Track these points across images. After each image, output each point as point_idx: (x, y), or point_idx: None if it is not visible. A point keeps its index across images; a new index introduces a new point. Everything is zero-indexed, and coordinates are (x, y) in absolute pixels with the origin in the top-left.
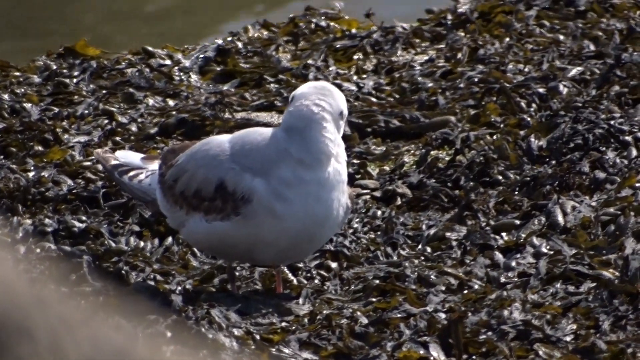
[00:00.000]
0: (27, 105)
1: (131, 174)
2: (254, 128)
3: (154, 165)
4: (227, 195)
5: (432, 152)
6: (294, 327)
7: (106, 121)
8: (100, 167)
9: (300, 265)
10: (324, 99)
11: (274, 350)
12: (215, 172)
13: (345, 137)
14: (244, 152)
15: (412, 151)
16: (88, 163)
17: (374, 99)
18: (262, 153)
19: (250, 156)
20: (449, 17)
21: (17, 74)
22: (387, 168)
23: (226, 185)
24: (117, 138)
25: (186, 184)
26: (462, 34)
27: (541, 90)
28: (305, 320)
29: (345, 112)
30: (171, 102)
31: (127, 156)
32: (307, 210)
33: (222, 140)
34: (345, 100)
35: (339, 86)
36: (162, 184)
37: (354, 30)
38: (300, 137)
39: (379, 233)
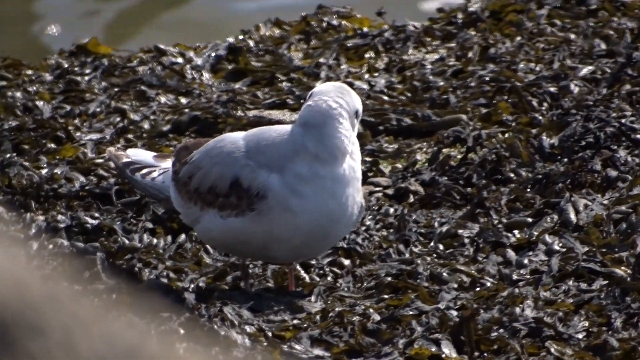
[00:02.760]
0: (40, 103)
1: (144, 171)
2: (268, 126)
3: (167, 164)
4: (242, 192)
5: (444, 150)
6: (305, 324)
7: (118, 119)
8: (112, 165)
9: (313, 262)
10: (342, 97)
11: (285, 347)
12: (230, 168)
13: (357, 135)
14: (259, 149)
15: (424, 149)
16: (100, 160)
17: (385, 97)
18: (277, 149)
19: (266, 152)
20: (460, 15)
21: (29, 72)
22: (399, 166)
23: (241, 181)
24: (130, 136)
25: (201, 181)
26: (473, 33)
27: (552, 89)
28: (317, 317)
29: (360, 112)
30: (183, 100)
31: (139, 154)
32: (321, 205)
33: (236, 138)
34: (360, 101)
35: (351, 84)
36: (176, 181)
37: (365, 29)
38: (316, 132)
39: (391, 230)
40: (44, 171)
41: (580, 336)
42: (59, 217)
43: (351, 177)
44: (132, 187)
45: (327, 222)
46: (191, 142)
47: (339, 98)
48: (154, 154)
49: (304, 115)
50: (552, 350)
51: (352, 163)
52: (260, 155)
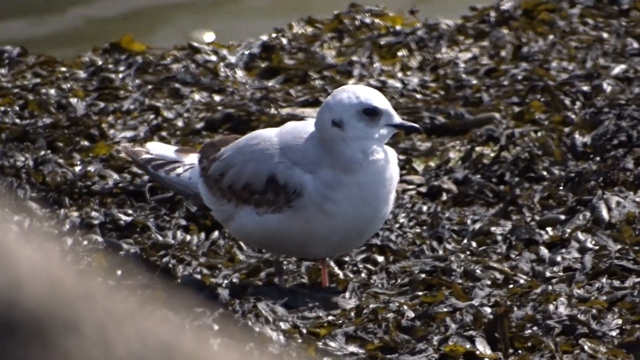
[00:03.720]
0: (73, 101)
1: (167, 167)
2: (301, 123)
3: (190, 159)
4: (279, 188)
5: (477, 149)
6: (340, 321)
7: (152, 116)
8: (132, 163)
9: (347, 259)
10: (343, 102)
11: (320, 344)
12: (265, 165)
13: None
14: (292, 148)
15: (457, 147)
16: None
17: (418, 96)
18: (306, 152)
19: (297, 152)
20: (492, 14)
21: (63, 69)
22: (432, 164)
23: (277, 178)
24: (163, 133)
25: (234, 178)
26: (506, 32)
27: (585, 87)
28: (352, 314)
29: (374, 104)
30: (217, 98)
31: (159, 148)
32: (354, 210)
33: (269, 135)
34: (374, 92)
35: (384, 83)
36: (206, 178)
37: (398, 27)
38: (328, 147)
39: (424, 228)
40: (77, 168)
41: (613, 334)
42: (93, 213)
43: (379, 180)
44: (157, 183)
45: (362, 224)
46: (217, 139)
47: (343, 109)
48: (175, 147)
49: (316, 129)
50: (586, 347)
51: (377, 164)
52: (293, 154)
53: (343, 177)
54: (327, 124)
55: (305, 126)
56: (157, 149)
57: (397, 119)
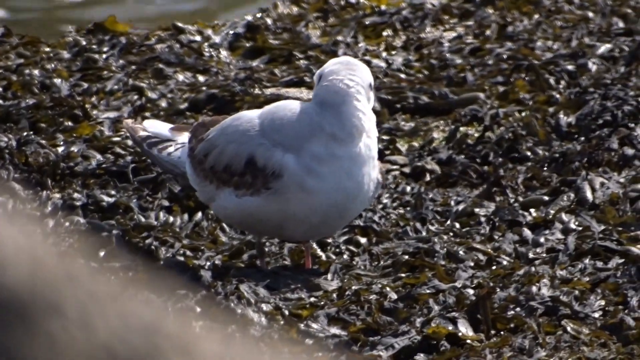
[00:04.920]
0: (57, 81)
1: (160, 146)
2: (284, 102)
3: (183, 137)
4: (257, 171)
5: (461, 129)
6: (322, 303)
7: (136, 97)
8: (129, 138)
9: (329, 240)
10: (355, 73)
11: (302, 325)
12: (245, 147)
13: (374, 113)
14: (274, 127)
15: (441, 127)
16: (117, 138)
17: (403, 76)
18: (293, 128)
19: (282, 131)
20: None
21: (47, 49)
22: (416, 144)
23: (256, 160)
24: (147, 114)
25: (216, 159)
26: (491, 11)
27: (570, 67)
28: (334, 295)
29: (373, 82)
30: (201, 78)
31: (156, 126)
32: (338, 185)
33: (252, 116)
34: (370, 71)
35: (368, 62)
36: (192, 158)
37: (383, 7)
38: (334, 111)
39: (408, 209)
40: (60, 149)
41: (596, 315)
42: (75, 195)
43: (367, 156)
44: (150, 161)
45: (344, 201)
46: (208, 119)
47: (353, 75)
48: (171, 125)
49: (321, 94)
50: (569, 329)
51: (368, 141)
52: (275, 134)
53: (337, 148)
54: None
55: (286, 105)
56: (153, 126)
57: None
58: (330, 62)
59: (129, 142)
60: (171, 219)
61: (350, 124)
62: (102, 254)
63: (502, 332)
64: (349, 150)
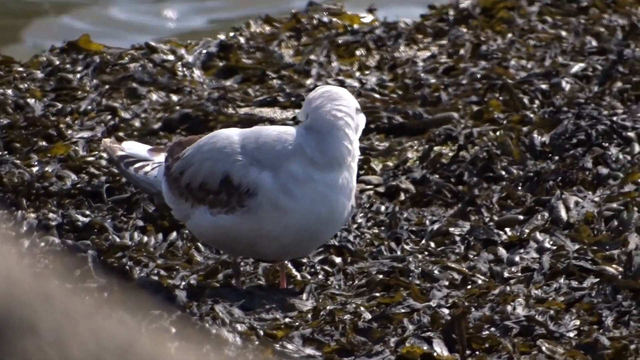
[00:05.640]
0: (31, 101)
1: (137, 165)
2: (270, 126)
3: (161, 158)
4: (232, 189)
5: (436, 148)
6: (297, 323)
7: (109, 116)
8: (107, 157)
9: (304, 260)
10: (342, 103)
11: (277, 346)
12: (221, 165)
13: None
14: (256, 145)
15: (415, 147)
16: (91, 158)
17: (377, 95)
18: (275, 147)
19: (263, 149)
20: (451, 12)
21: (21, 69)
22: (390, 164)
23: (231, 178)
24: (121, 133)
25: (192, 177)
26: (465, 30)
27: (544, 86)
28: (309, 315)
29: (359, 108)
30: (174, 97)
31: (134, 147)
32: (312, 208)
33: (229, 134)
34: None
35: (342, 82)
36: (168, 176)
37: (356, 26)
38: (319, 138)
39: (382, 228)
40: (35, 169)
41: (571, 334)
42: (50, 215)
43: (345, 186)
44: (126, 181)
45: (316, 224)
46: (185, 138)
47: (342, 106)
48: (149, 147)
49: (313, 118)
50: (544, 348)
51: (347, 174)
52: (255, 151)
53: (315, 172)
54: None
55: (275, 127)
56: (131, 148)
57: None
58: (318, 89)
59: (103, 162)
60: (145, 238)
61: (331, 153)
62: (77, 274)
63: (477, 352)
64: (326, 177)
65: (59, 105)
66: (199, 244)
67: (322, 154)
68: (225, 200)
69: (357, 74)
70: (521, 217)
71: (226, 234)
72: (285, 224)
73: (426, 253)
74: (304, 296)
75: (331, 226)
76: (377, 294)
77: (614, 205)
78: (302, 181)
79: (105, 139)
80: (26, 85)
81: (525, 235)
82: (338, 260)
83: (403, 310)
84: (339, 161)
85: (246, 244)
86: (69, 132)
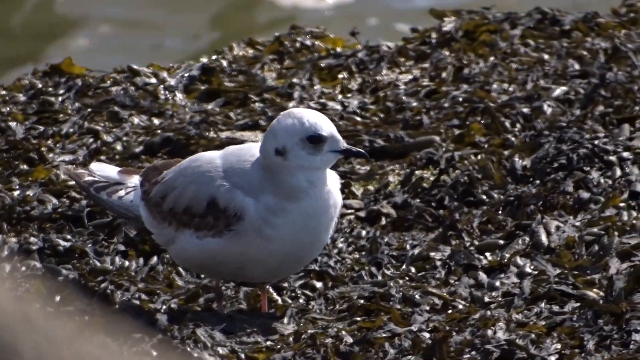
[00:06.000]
0: (12, 124)
1: (109, 190)
2: (247, 145)
3: (133, 180)
4: (219, 212)
5: (417, 172)
6: (278, 346)
7: (91, 140)
8: (74, 183)
9: (285, 284)
10: (282, 134)
11: None
12: (206, 188)
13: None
14: (234, 171)
15: (396, 171)
16: (73, 182)
17: (358, 118)
18: (249, 176)
19: (240, 176)
20: (434, 35)
21: (3, 92)
22: (371, 188)
23: (218, 201)
24: (102, 157)
25: (175, 201)
26: (447, 53)
27: (525, 110)
28: (290, 339)
29: (322, 132)
30: (156, 121)
31: (103, 169)
32: (293, 236)
33: (212, 157)
34: (319, 117)
35: (324, 105)
36: (147, 201)
37: (339, 49)
38: (271, 175)
39: (363, 253)
40: (16, 193)
41: (553, 359)
42: (32, 239)
43: (323, 207)
44: (99, 206)
45: (300, 250)
46: (160, 162)
47: (286, 136)
48: (119, 168)
49: (261, 156)
50: None
51: (322, 192)
52: (235, 177)
53: (286, 204)
54: (270, 152)
55: (250, 149)
56: (100, 169)
57: (343, 144)
58: (280, 116)
59: (74, 183)
60: (127, 263)
61: (287, 188)
62: (58, 298)
63: None
64: (299, 206)
65: (41, 128)
66: (180, 269)
67: (280, 189)
68: (212, 223)
69: (339, 96)
70: (502, 241)
71: (213, 257)
72: (271, 250)
73: (407, 278)
74: (285, 320)
75: (316, 248)
76: (359, 319)
77: (595, 229)
78: (277, 212)
79: (66, 165)
80: (8, 108)
81: (506, 260)
82: (319, 284)
83: (384, 335)
84: (301, 190)
85: (233, 267)
86: (50, 155)
